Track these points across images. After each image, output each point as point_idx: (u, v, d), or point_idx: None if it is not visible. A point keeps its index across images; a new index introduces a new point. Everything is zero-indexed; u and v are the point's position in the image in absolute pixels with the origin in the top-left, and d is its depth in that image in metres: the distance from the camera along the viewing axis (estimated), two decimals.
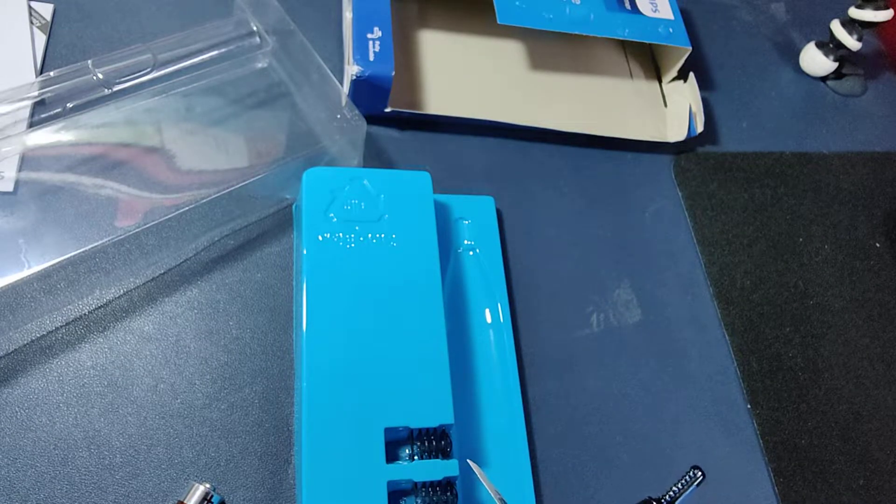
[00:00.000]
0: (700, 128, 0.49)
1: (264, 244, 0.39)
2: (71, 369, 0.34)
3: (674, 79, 0.51)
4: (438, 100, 0.46)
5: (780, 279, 0.46)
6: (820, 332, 0.45)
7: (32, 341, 0.34)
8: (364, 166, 0.42)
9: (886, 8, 0.52)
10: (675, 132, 0.49)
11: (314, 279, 0.34)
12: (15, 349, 0.34)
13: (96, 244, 0.33)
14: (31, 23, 0.42)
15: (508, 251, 0.43)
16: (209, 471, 0.33)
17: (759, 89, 0.56)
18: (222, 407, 0.34)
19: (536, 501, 0.35)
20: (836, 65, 0.56)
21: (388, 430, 0.32)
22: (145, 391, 0.34)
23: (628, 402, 0.40)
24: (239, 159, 0.39)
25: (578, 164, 0.48)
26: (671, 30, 0.48)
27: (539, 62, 0.51)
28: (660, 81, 0.53)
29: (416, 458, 0.33)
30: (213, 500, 0.32)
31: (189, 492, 0.32)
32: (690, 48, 0.48)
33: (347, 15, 0.45)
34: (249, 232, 0.39)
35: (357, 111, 0.39)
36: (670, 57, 0.51)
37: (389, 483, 0.31)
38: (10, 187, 0.36)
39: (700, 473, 0.35)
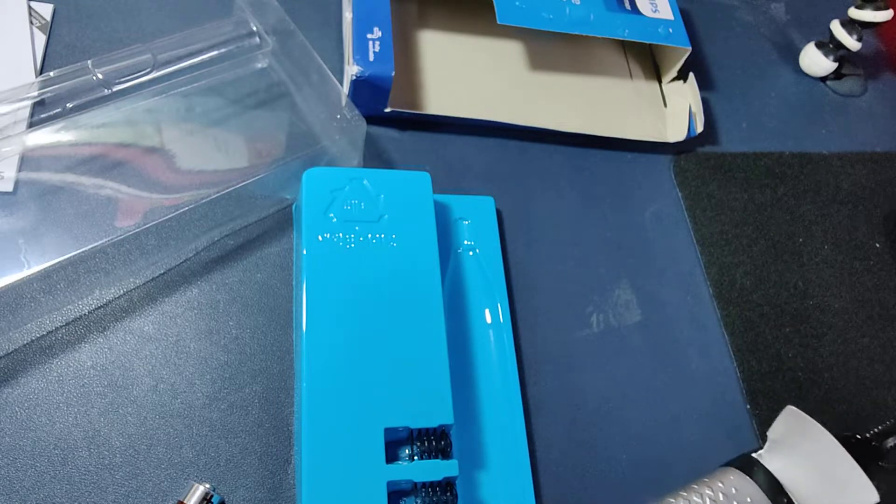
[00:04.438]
0: (700, 128, 0.49)
1: (264, 244, 0.39)
2: (71, 369, 0.34)
3: (674, 79, 0.51)
4: (438, 100, 0.46)
5: (780, 279, 0.46)
6: (820, 332, 0.45)
7: (32, 341, 0.34)
8: (364, 166, 0.42)
9: (886, 8, 0.52)
10: (675, 132, 0.49)
11: (314, 279, 0.34)
12: (15, 349, 0.34)
13: (96, 244, 0.33)
14: (31, 23, 0.42)
15: (508, 251, 0.43)
16: (209, 471, 0.33)
17: (759, 89, 0.56)
18: (222, 407, 0.34)
19: (536, 501, 0.35)
20: (835, 65, 0.56)
21: (387, 431, 0.32)
22: (145, 391, 0.34)
23: (628, 402, 0.40)
24: (239, 159, 0.39)
25: (578, 164, 0.48)
26: (671, 30, 0.48)
27: (539, 62, 0.51)
28: (660, 81, 0.53)
29: (415, 458, 0.33)
30: (213, 500, 0.32)
31: (189, 492, 0.32)
32: (690, 48, 0.48)
33: (347, 15, 0.45)
34: (249, 232, 0.39)
35: (357, 111, 0.39)
36: (670, 57, 0.51)
37: (389, 483, 0.31)
38: (10, 187, 0.36)
39: None
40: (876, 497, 0.28)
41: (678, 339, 0.42)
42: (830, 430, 0.41)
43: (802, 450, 0.33)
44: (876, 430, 0.37)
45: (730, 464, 0.34)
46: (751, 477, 0.32)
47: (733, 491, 0.32)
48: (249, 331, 0.37)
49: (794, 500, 0.31)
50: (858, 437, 0.37)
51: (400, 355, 0.33)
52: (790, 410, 0.34)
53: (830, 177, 0.52)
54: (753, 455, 0.34)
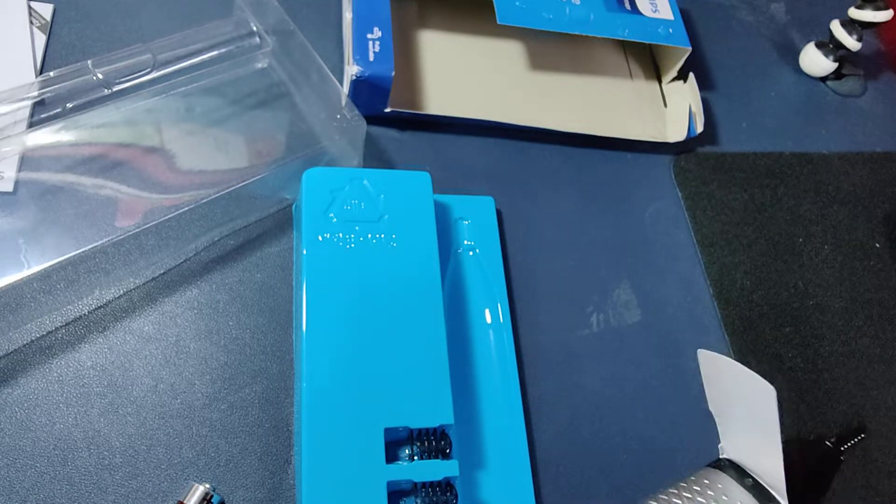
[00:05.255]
0: (700, 128, 0.49)
1: (264, 244, 0.39)
2: (71, 369, 0.34)
3: (674, 79, 0.51)
4: (438, 100, 0.46)
5: (780, 279, 0.46)
6: (820, 332, 0.45)
7: (32, 341, 0.34)
8: (364, 166, 0.42)
9: (886, 8, 0.52)
10: (675, 132, 0.49)
11: (314, 279, 0.34)
12: (15, 349, 0.34)
13: (96, 244, 0.33)
14: (31, 23, 0.42)
15: (508, 251, 0.43)
16: (209, 471, 0.33)
17: (759, 89, 0.56)
18: (222, 407, 0.34)
19: (536, 501, 0.35)
20: (835, 65, 0.56)
21: (387, 431, 0.32)
22: (145, 391, 0.34)
23: (628, 402, 0.40)
24: (239, 159, 0.39)
25: (578, 164, 0.48)
26: (671, 30, 0.48)
27: (539, 62, 0.51)
28: (660, 81, 0.53)
29: (415, 458, 0.33)
30: (212, 500, 0.32)
31: (189, 492, 0.32)
32: (690, 48, 0.48)
33: (347, 15, 0.45)
34: (249, 232, 0.39)
35: (357, 111, 0.39)
36: (670, 57, 0.51)
37: (389, 483, 0.31)
38: (10, 187, 0.36)
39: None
40: (772, 389, 0.29)
41: (678, 339, 0.42)
42: (826, 433, 0.41)
43: (731, 402, 0.34)
44: (836, 433, 0.39)
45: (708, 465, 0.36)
46: (723, 472, 0.34)
47: (706, 482, 0.33)
48: (249, 331, 0.37)
49: (754, 475, 0.33)
50: (828, 443, 0.38)
51: (400, 355, 0.33)
52: (703, 357, 0.35)
53: (830, 177, 0.52)
54: (722, 456, 0.35)
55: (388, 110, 0.43)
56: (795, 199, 0.50)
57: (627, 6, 0.48)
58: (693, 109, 0.49)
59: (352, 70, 0.41)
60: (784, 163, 0.52)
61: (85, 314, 0.35)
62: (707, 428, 0.40)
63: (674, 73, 0.51)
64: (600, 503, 0.37)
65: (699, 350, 0.35)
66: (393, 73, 0.41)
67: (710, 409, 0.36)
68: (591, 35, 0.46)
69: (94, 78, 0.38)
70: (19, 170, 0.36)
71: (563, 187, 0.46)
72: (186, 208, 0.35)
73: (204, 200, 0.36)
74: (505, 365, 0.38)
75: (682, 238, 0.47)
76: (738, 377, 0.32)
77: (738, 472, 0.33)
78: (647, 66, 0.53)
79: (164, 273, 0.37)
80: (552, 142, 0.48)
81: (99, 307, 0.36)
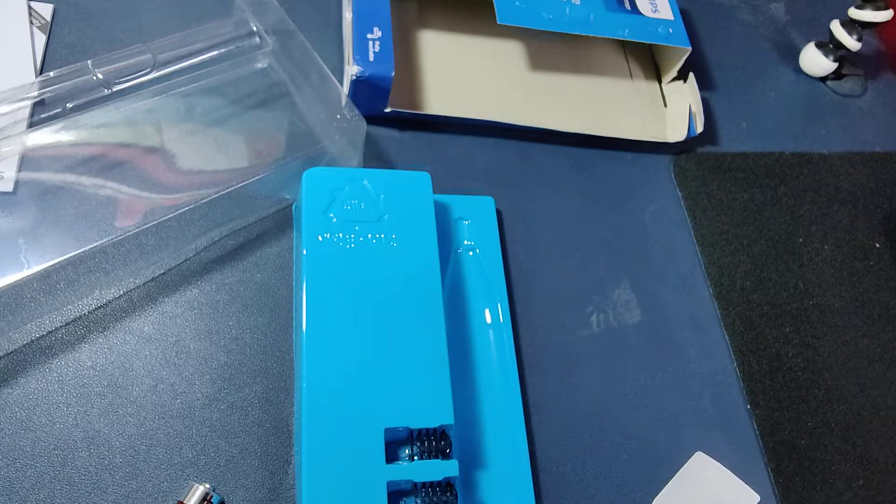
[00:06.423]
0: (700, 128, 0.49)
1: (264, 244, 0.39)
2: (71, 369, 0.34)
3: (674, 79, 0.51)
4: (438, 100, 0.46)
5: (780, 279, 0.46)
6: (820, 332, 0.45)
7: (32, 341, 0.34)
8: (364, 166, 0.42)
9: (886, 8, 0.52)
10: (675, 132, 0.49)
11: (314, 279, 0.34)
12: (15, 349, 0.34)
13: (96, 244, 0.33)
14: (31, 23, 0.42)
15: (508, 251, 0.43)
16: (209, 471, 0.33)
17: (759, 89, 0.56)
18: (222, 407, 0.34)
19: (536, 501, 0.35)
20: (835, 65, 0.56)
21: (387, 431, 0.32)
22: (145, 391, 0.34)
23: (628, 402, 0.40)
24: (239, 159, 0.39)
25: (578, 164, 0.48)
26: (671, 30, 0.48)
27: (539, 62, 0.51)
28: (660, 82, 0.53)
29: (415, 458, 0.33)
30: (212, 500, 0.32)
31: (189, 492, 0.32)
32: (690, 48, 0.48)
33: (347, 15, 0.45)
34: (249, 232, 0.39)
35: (357, 111, 0.39)
36: (670, 57, 0.51)
37: (389, 483, 0.31)
38: (10, 187, 0.36)
39: None
40: (756, 497, 0.28)
41: (678, 339, 0.42)
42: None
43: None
44: None
45: None
46: None
47: None
48: (249, 331, 0.37)
49: None
50: None
51: (400, 355, 0.33)
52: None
53: (830, 177, 0.52)
54: None
55: (388, 110, 0.43)
56: (795, 199, 0.50)
57: (627, 6, 0.48)
58: (693, 109, 0.49)
59: (352, 70, 0.41)
60: (784, 163, 0.52)
61: (85, 314, 0.35)
62: (706, 427, 0.40)
63: (674, 73, 0.51)
64: (600, 503, 0.37)
65: (698, 453, 0.34)
66: (393, 73, 0.41)
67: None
68: (591, 35, 0.46)
69: (94, 78, 0.38)
70: (19, 170, 0.36)
71: (563, 187, 0.46)
72: (186, 208, 0.35)
73: (204, 200, 0.36)
74: (505, 365, 0.38)
75: (682, 238, 0.47)
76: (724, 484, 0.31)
77: None
78: (647, 66, 0.53)
79: (164, 273, 0.37)
80: (552, 142, 0.48)
81: (99, 307, 0.36)
